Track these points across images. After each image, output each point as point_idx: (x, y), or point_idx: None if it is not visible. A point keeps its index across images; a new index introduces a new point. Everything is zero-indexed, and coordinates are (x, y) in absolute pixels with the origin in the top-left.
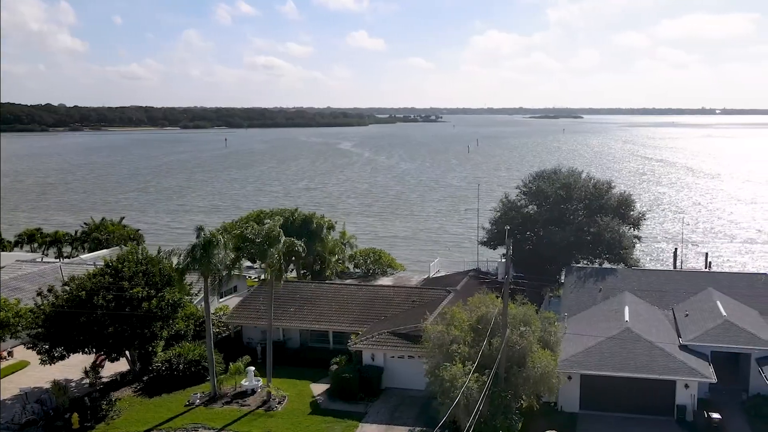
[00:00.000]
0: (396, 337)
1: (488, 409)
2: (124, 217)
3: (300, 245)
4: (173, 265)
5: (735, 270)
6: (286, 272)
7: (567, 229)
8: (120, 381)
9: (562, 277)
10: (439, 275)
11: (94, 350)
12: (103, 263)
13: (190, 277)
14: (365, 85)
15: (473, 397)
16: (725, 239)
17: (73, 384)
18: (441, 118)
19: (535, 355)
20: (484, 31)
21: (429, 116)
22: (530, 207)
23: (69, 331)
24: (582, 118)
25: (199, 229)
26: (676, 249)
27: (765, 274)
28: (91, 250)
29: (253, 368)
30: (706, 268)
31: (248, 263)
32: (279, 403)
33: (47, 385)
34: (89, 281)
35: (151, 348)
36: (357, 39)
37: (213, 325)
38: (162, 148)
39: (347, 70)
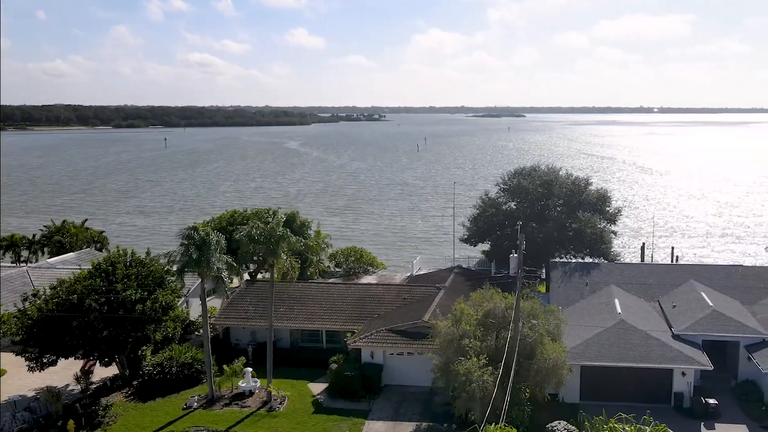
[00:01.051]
0: (394, 335)
1: (503, 401)
2: (87, 219)
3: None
4: (165, 267)
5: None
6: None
7: (550, 225)
8: (110, 386)
9: (543, 273)
10: (421, 273)
11: (81, 355)
12: (77, 267)
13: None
14: (305, 83)
15: (488, 390)
16: (682, 233)
17: (58, 391)
18: (384, 117)
19: (546, 347)
20: (426, 29)
21: (372, 115)
22: (510, 204)
23: (61, 336)
24: (524, 116)
25: (193, 229)
26: (643, 244)
27: (741, 266)
28: (53, 254)
29: (250, 369)
30: (672, 261)
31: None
32: (280, 403)
33: (31, 393)
34: (80, 284)
35: (140, 352)
36: (296, 37)
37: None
38: (98, 147)
39: (286, 69)
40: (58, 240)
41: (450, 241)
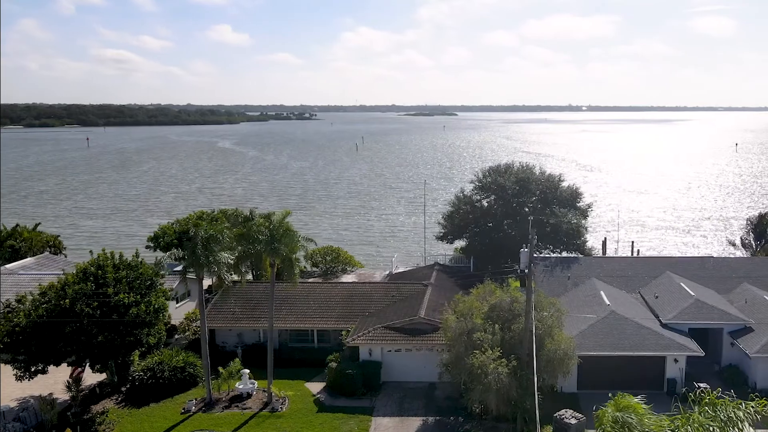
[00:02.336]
0: (391, 331)
1: (517, 392)
2: (39, 223)
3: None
4: (158, 269)
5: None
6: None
7: (527, 221)
8: (99, 393)
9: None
10: (399, 271)
11: (72, 362)
12: (39, 272)
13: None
14: (229, 81)
15: (503, 382)
16: (634, 228)
17: (52, 399)
18: (315, 115)
19: (555, 338)
20: (355, 27)
21: (303, 114)
22: (487, 201)
23: (54, 343)
24: (456, 115)
25: (196, 225)
26: (605, 239)
27: (712, 257)
28: (7, 260)
29: (247, 371)
30: (633, 254)
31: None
32: (282, 404)
33: (13, 404)
34: (70, 288)
35: (129, 357)
36: (220, 33)
37: (188, 330)
38: (14, 148)
39: (209, 66)
40: (11, 245)
41: (413, 238)
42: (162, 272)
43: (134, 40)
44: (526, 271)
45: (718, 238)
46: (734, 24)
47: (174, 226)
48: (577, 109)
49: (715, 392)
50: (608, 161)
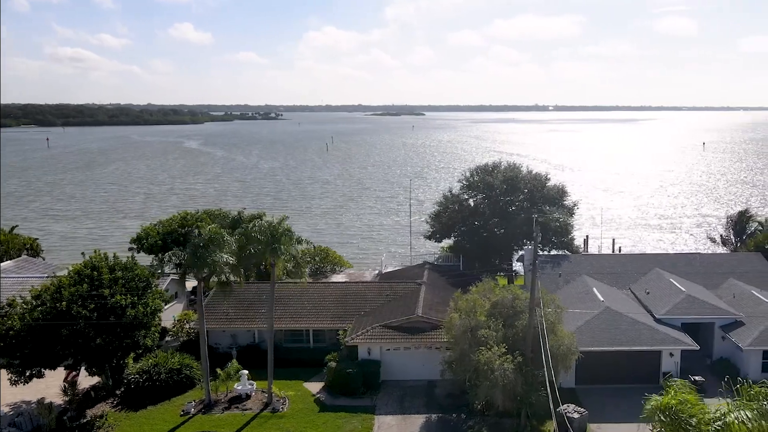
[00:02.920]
0: (390, 330)
1: (523, 388)
2: (17, 226)
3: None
4: (155, 270)
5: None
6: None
7: (518, 219)
8: (94, 397)
9: (514, 266)
10: (389, 270)
11: (69, 365)
12: (19, 275)
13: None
14: (192, 80)
15: (509, 378)
16: (612, 225)
17: (33, 404)
18: (282, 115)
19: (558, 333)
20: (321, 26)
21: (268, 114)
22: (475, 200)
23: (51, 346)
24: (424, 115)
25: (197, 227)
26: (587, 236)
27: (699, 253)
28: None
29: (246, 372)
30: (613, 252)
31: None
32: (282, 404)
33: (6, 409)
34: (66, 290)
35: (123, 360)
36: (181, 31)
37: (181, 332)
38: None
39: (170, 65)
40: None
41: (393, 237)
42: (159, 272)
43: (92, 39)
44: (530, 267)
45: (695, 236)
46: (697, 25)
47: (157, 227)
48: (544, 108)
49: (703, 384)
50: (579, 160)
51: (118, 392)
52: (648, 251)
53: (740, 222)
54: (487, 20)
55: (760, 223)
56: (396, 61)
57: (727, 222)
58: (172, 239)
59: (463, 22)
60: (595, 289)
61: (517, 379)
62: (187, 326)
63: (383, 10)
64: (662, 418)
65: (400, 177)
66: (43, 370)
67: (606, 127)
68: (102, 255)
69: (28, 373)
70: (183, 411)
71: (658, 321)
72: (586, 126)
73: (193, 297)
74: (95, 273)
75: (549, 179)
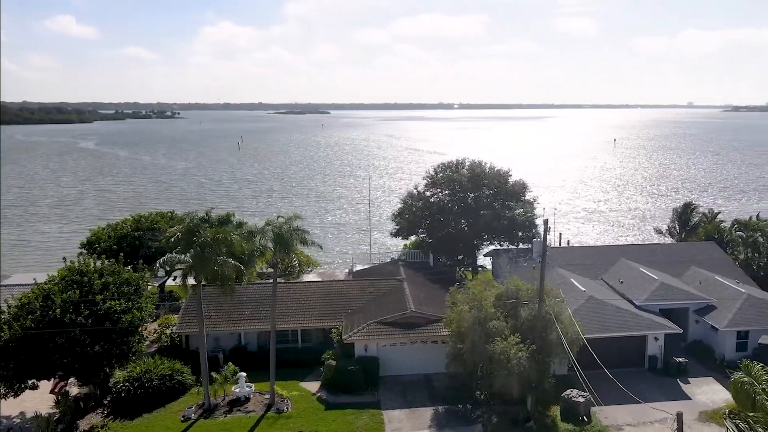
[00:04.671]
0: (386, 326)
1: (536, 375)
2: None
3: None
4: (149, 272)
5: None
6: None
7: (487, 214)
8: (83, 407)
9: (480, 260)
10: (359, 268)
11: (62, 375)
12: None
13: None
14: (74, 77)
15: (524, 366)
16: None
17: (14, 419)
18: (179, 114)
19: (565, 321)
20: (217, 22)
21: (164, 112)
22: (436, 197)
23: (48, 356)
24: (329, 113)
25: (196, 227)
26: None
27: (659, 244)
28: None
29: (244, 374)
30: (560, 244)
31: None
32: (285, 404)
33: None
34: (57, 297)
35: (117, 367)
36: (62, 25)
37: (165, 335)
38: None
39: (49, 61)
40: None
41: (341, 236)
42: (151, 273)
43: None
44: (539, 260)
45: (637, 227)
46: (596, 25)
47: (107, 231)
48: (449, 106)
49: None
50: (503, 157)
51: (106, 401)
52: (590, 243)
53: (685, 213)
54: (392, 18)
55: (704, 214)
56: (298, 59)
57: (673, 214)
58: (126, 243)
59: (367, 20)
60: (573, 280)
61: (531, 366)
62: (168, 330)
63: (283, 6)
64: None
65: (329, 176)
66: (37, 381)
67: (515, 125)
68: (89, 259)
69: (23, 385)
70: (183, 417)
71: (639, 308)
72: (494, 123)
73: (175, 302)
74: (85, 279)
75: (511, 175)
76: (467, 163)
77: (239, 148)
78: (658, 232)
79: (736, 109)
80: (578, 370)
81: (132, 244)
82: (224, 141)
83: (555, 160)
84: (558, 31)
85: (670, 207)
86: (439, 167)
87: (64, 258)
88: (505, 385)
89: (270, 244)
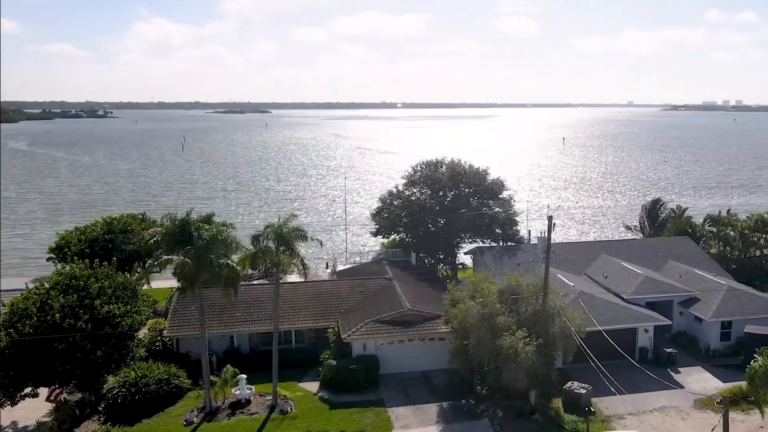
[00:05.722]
0: (384, 325)
1: (543, 368)
2: None
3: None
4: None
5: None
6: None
7: (471, 214)
8: (79, 415)
9: (461, 258)
10: (342, 268)
11: (61, 381)
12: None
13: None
14: None
15: (532, 360)
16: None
17: (9, 429)
18: (112, 113)
19: (567, 316)
20: (150, 18)
21: (95, 111)
22: (420, 195)
23: (49, 362)
24: (270, 113)
25: (198, 227)
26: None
27: (636, 239)
28: None
29: (244, 376)
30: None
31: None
32: (288, 405)
33: None
34: (55, 302)
35: (117, 372)
36: None
37: (157, 340)
38: None
39: None
40: None
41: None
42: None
43: None
44: (543, 256)
45: (603, 224)
46: (537, 25)
47: (76, 234)
48: (393, 106)
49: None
50: (457, 156)
51: (101, 408)
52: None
53: (654, 209)
54: (332, 17)
55: (672, 210)
56: (236, 57)
57: (642, 210)
58: (99, 246)
59: (306, 18)
60: (560, 276)
61: (538, 360)
62: (160, 335)
63: (220, 3)
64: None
65: (283, 176)
66: (36, 389)
67: (460, 124)
68: (82, 263)
69: (23, 393)
70: (186, 421)
71: (627, 301)
72: (439, 123)
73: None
74: (81, 283)
75: (489, 173)
76: (446, 162)
77: (183, 149)
78: (628, 228)
79: (675, 108)
80: (593, 360)
81: (105, 248)
82: (165, 141)
83: (507, 159)
84: (499, 31)
85: (630, 204)
86: (417, 166)
87: (54, 262)
88: (513, 379)
89: (271, 245)
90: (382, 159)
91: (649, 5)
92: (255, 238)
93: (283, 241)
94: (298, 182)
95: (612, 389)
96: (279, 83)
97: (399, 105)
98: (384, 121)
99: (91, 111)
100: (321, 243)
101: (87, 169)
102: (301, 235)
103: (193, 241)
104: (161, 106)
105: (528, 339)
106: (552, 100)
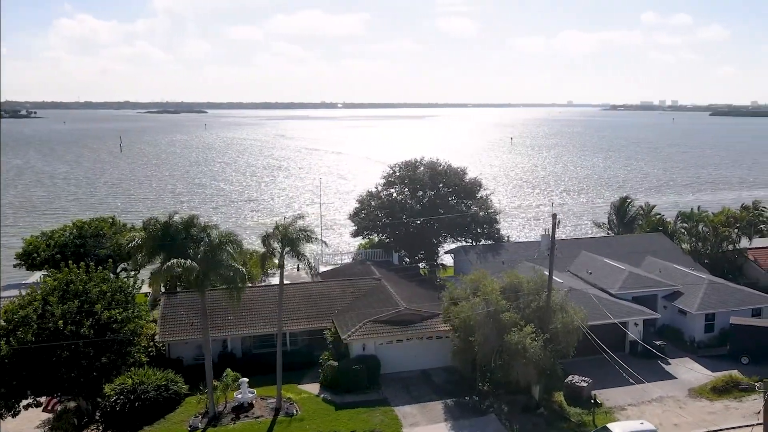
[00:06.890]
0: (382, 325)
1: (549, 362)
2: None
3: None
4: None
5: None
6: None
7: (452, 216)
8: (77, 424)
9: (441, 258)
10: (325, 270)
11: (62, 391)
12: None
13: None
14: None
15: (540, 355)
16: None
17: None
18: (36, 113)
19: (569, 312)
20: (75, 14)
21: (18, 111)
22: (399, 195)
23: (51, 371)
24: (206, 113)
25: (204, 231)
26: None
27: (614, 236)
28: None
29: (246, 380)
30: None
31: None
32: (293, 408)
33: None
34: (56, 308)
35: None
36: None
37: (151, 345)
38: None
39: None
40: None
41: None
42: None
43: None
44: (547, 254)
45: (568, 221)
46: (476, 25)
47: (44, 239)
48: (333, 106)
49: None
50: (403, 155)
51: (97, 416)
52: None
53: (622, 207)
54: (268, 15)
55: (640, 207)
56: (168, 56)
57: (611, 207)
58: (70, 251)
59: (242, 16)
60: (546, 273)
61: (546, 355)
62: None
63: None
64: None
65: (232, 177)
66: (39, 398)
67: (403, 123)
68: (77, 268)
69: (26, 403)
70: (190, 426)
71: (614, 296)
72: (381, 122)
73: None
74: (80, 287)
75: (467, 173)
76: (425, 162)
77: (121, 150)
78: (597, 225)
79: (614, 107)
80: (606, 352)
81: (76, 252)
82: (100, 142)
83: (459, 159)
84: (438, 31)
85: (590, 202)
86: (396, 165)
87: (46, 266)
88: (522, 374)
89: (277, 246)
90: (334, 159)
91: (586, 6)
92: (264, 239)
93: (288, 242)
94: (249, 183)
95: (611, 381)
96: (215, 83)
97: (340, 105)
98: (326, 121)
99: (13, 111)
100: (326, 243)
101: (21, 172)
102: (306, 236)
103: (182, 245)
104: (88, 105)
105: (534, 334)
106: (493, 100)
